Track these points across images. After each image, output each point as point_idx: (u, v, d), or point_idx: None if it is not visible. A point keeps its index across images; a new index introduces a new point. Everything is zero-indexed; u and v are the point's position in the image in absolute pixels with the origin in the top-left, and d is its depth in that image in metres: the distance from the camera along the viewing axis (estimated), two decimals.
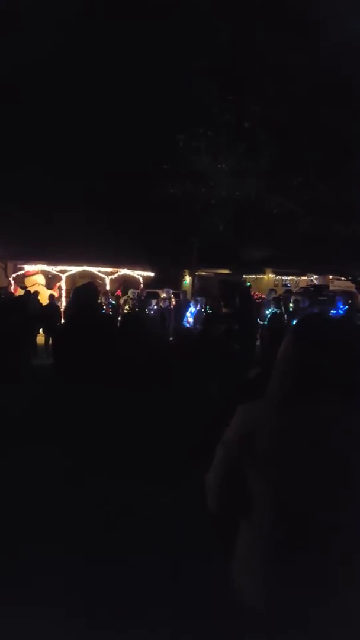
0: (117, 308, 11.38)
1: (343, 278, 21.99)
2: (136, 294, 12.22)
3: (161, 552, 2.73)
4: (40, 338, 11.01)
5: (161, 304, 11.38)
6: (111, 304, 11.20)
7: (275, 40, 10.13)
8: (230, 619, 1.58)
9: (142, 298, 12.25)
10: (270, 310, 9.38)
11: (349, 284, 22.21)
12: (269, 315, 9.18)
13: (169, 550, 2.76)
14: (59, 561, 2.68)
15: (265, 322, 9.05)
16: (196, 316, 10.00)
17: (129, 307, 11.32)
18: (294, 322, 1.72)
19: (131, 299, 11.52)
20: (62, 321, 10.60)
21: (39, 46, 14.25)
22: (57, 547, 2.78)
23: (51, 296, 12.43)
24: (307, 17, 9.90)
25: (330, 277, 27.31)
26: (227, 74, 10.81)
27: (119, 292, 12.09)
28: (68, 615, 2.37)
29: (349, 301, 7.64)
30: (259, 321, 9.08)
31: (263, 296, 14.18)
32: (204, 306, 10.13)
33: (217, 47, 11.33)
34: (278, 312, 9.20)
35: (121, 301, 12.31)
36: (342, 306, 7.69)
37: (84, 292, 3.09)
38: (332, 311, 8.10)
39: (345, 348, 1.50)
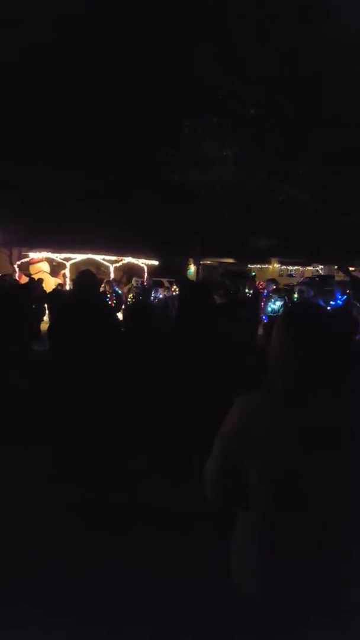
0: (120, 296, 11.36)
1: (352, 268, 21.83)
2: (140, 282, 12.18)
3: (161, 553, 2.72)
4: (45, 325, 11.03)
5: (165, 293, 11.36)
6: (115, 292, 11.17)
7: (282, 25, 9.92)
8: (229, 621, 1.57)
9: (146, 287, 12.22)
10: (274, 301, 9.25)
11: (355, 274, 22.01)
12: (277, 307, 8.98)
13: (168, 553, 2.74)
14: (58, 562, 2.66)
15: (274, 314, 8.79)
16: None
17: (133, 295, 11.30)
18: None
19: (135, 287, 11.48)
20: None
21: (42, 32, 14.03)
22: (56, 549, 2.76)
23: (57, 284, 12.47)
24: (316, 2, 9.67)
25: (336, 267, 27.06)
26: (232, 59, 10.63)
27: (123, 288, 12.07)
28: (65, 616, 2.36)
29: (347, 291, 7.57)
30: (268, 311, 8.86)
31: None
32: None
33: (222, 31, 11.14)
34: (283, 303, 9.06)
35: (125, 289, 12.28)
36: (340, 297, 7.63)
37: (79, 280, 3.10)
38: (331, 302, 8.03)
39: (336, 333, 1.48)
